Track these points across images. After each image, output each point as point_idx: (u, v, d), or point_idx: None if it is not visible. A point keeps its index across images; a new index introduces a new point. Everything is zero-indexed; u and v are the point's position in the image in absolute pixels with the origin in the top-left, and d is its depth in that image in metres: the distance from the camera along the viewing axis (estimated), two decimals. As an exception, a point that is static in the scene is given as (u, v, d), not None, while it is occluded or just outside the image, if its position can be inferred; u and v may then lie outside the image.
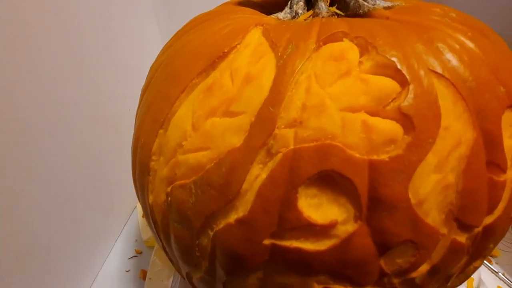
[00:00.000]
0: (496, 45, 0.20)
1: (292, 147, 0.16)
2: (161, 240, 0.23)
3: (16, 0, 0.24)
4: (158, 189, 0.20)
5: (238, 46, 0.19)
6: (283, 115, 0.16)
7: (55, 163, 0.30)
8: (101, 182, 0.38)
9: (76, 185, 0.33)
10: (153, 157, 0.20)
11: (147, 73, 0.26)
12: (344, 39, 0.18)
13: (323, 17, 0.22)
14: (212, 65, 0.19)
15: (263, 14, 0.24)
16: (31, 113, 0.27)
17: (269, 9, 0.25)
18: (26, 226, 0.28)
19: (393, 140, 0.16)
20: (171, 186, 0.19)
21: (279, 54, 0.18)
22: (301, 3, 0.23)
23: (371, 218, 0.16)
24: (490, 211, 0.17)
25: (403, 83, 0.16)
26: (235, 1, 0.28)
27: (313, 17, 0.22)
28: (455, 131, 0.16)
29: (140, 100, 0.25)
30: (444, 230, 0.17)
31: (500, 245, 0.39)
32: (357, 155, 0.15)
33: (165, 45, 0.26)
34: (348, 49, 0.17)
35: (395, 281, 0.17)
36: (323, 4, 0.22)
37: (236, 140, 0.17)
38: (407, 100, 0.16)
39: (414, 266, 0.17)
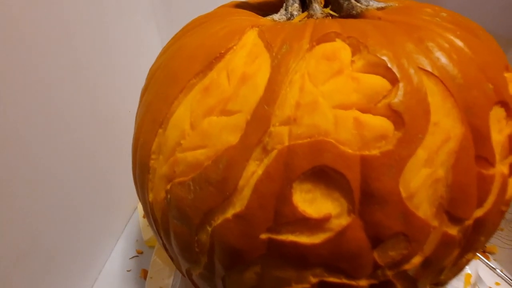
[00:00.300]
0: (486, 44, 0.20)
1: (286, 144, 0.16)
2: (161, 238, 0.23)
3: (16, 1, 0.25)
4: (157, 187, 0.21)
5: (234, 47, 0.19)
6: (278, 113, 0.17)
7: (57, 164, 0.30)
8: (102, 183, 0.38)
9: (77, 186, 0.34)
10: (153, 156, 0.21)
11: (146, 75, 0.26)
12: (337, 39, 0.18)
13: (317, 18, 0.23)
14: (209, 65, 0.19)
15: (260, 16, 0.24)
16: (33, 115, 0.27)
17: (266, 11, 0.26)
18: (28, 227, 0.28)
19: (384, 136, 0.16)
20: (170, 184, 0.19)
21: (274, 54, 0.18)
22: (296, 5, 0.24)
23: (364, 212, 0.16)
24: (480, 204, 0.18)
25: (394, 81, 0.17)
26: (232, 4, 0.29)
27: (308, 18, 0.23)
28: (444, 126, 0.17)
29: (140, 101, 0.25)
30: (435, 223, 0.17)
31: (498, 242, 0.39)
32: (350, 151, 0.16)
33: (164, 47, 0.26)
34: (340, 48, 0.18)
35: (389, 273, 0.18)
36: (317, 6, 0.23)
37: (233, 138, 0.17)
38: (397, 97, 0.16)
39: (407, 258, 0.17)
